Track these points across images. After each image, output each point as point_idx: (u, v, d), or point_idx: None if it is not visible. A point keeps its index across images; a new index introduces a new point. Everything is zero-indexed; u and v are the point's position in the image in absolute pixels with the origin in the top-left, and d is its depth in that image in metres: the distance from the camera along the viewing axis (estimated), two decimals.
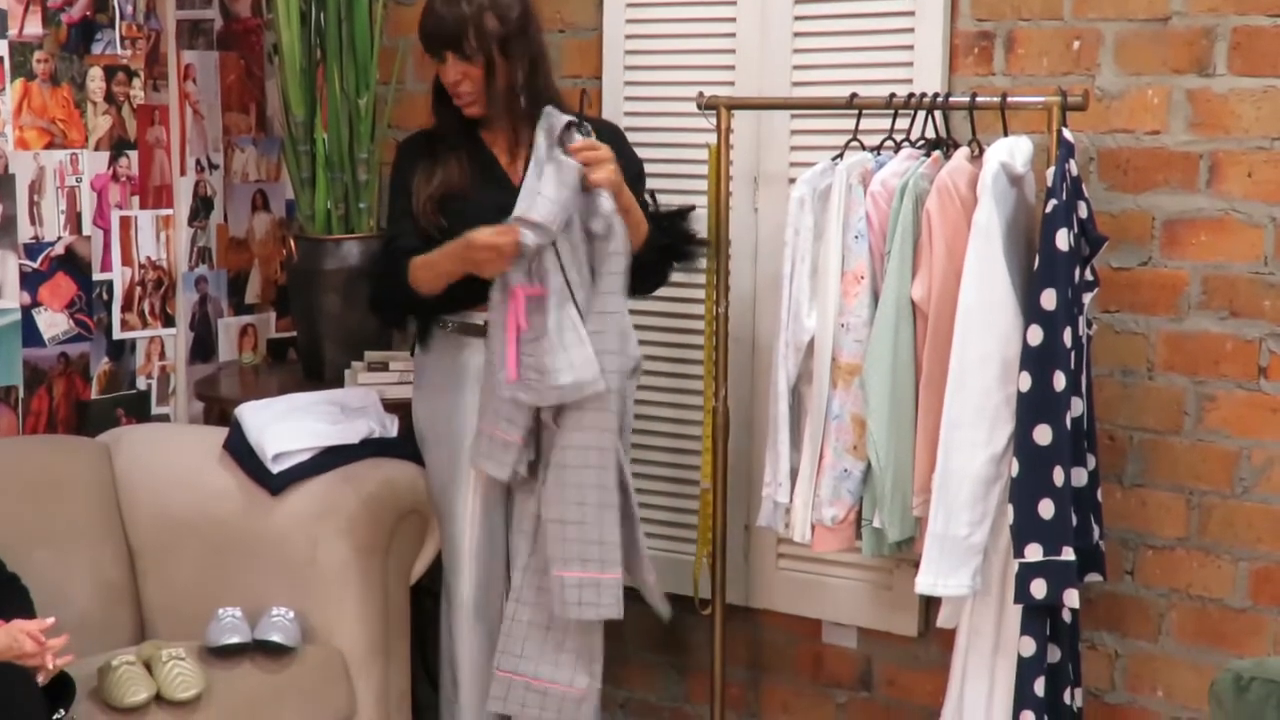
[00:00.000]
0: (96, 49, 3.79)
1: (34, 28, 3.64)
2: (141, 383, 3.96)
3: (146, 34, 3.91)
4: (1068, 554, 2.95)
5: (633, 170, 3.30)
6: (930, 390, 3.08)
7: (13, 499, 3.31)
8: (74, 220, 3.76)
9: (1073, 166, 3.00)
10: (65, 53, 3.72)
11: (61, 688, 2.85)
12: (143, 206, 3.93)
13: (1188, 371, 3.28)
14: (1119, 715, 3.42)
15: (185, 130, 4.03)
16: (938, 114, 3.22)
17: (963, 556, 3.03)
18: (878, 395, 3.11)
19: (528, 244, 3.04)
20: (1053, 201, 2.95)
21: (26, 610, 2.95)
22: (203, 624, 3.21)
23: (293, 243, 3.99)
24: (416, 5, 4.12)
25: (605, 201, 3.10)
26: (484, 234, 3.05)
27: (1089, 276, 3.12)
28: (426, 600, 3.68)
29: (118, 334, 3.89)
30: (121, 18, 3.84)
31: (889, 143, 3.24)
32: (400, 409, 3.54)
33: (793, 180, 3.39)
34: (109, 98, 3.83)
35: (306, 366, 4.01)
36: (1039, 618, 3.01)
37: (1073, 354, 2.96)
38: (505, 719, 3.32)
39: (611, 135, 3.33)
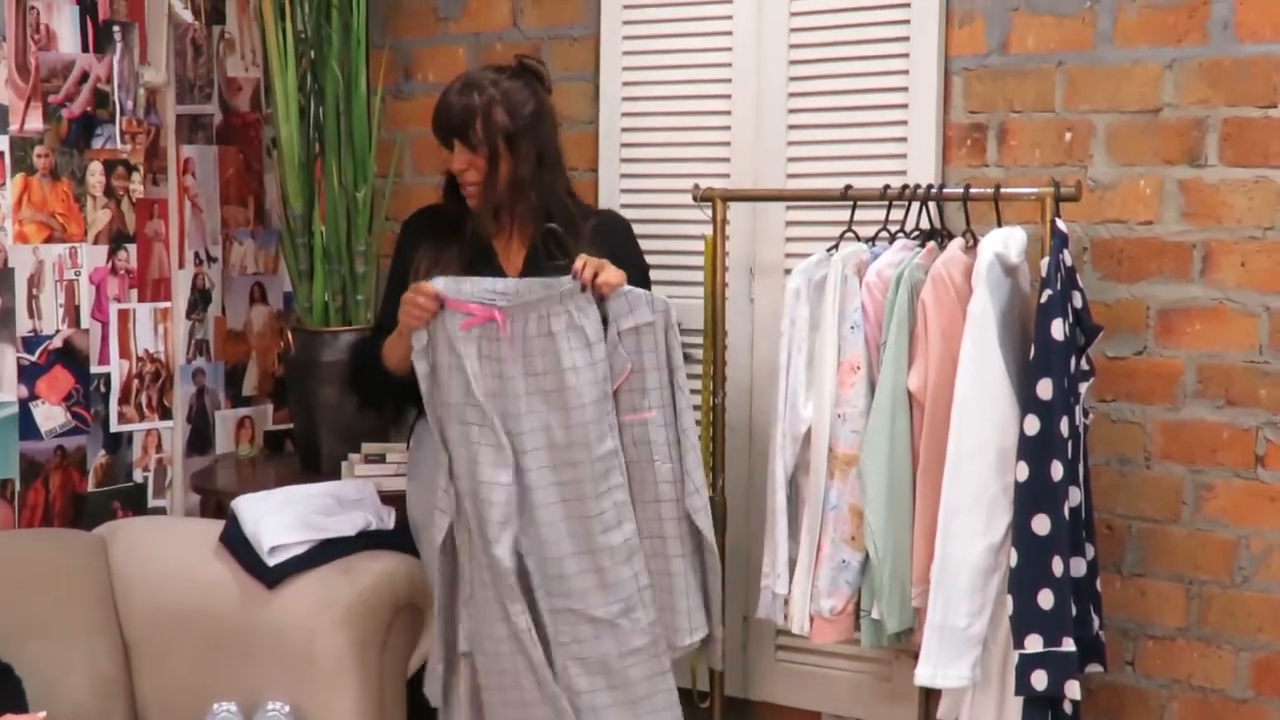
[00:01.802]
0: (97, 144, 3.82)
1: (35, 123, 3.67)
2: (138, 475, 3.95)
3: (146, 129, 3.94)
4: (1068, 645, 2.93)
5: (638, 268, 3.27)
6: (928, 480, 3.08)
7: (8, 592, 3.29)
8: (72, 313, 3.77)
9: (1067, 256, 3.01)
10: (66, 147, 3.74)
11: None
12: (141, 299, 3.95)
13: (1185, 460, 3.28)
14: None
15: (184, 223, 4.05)
16: (932, 205, 3.24)
17: (962, 647, 3.01)
18: (875, 485, 3.11)
19: (443, 292, 3.02)
20: (1047, 291, 2.96)
21: (19, 703, 2.93)
22: (198, 719, 3.18)
23: (290, 335, 4.00)
24: (414, 99, 4.18)
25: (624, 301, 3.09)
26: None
27: (1085, 366, 3.13)
28: (423, 695, 3.65)
29: (115, 427, 3.89)
30: (122, 113, 3.87)
31: (884, 233, 3.26)
32: (397, 501, 3.53)
33: (788, 271, 3.40)
34: (109, 192, 3.85)
35: (304, 458, 4.01)
36: (1040, 709, 2.99)
37: (1070, 443, 2.96)
38: None
39: (615, 231, 3.32)
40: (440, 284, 3.05)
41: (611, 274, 3.06)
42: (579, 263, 3.05)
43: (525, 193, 3.23)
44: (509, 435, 3.04)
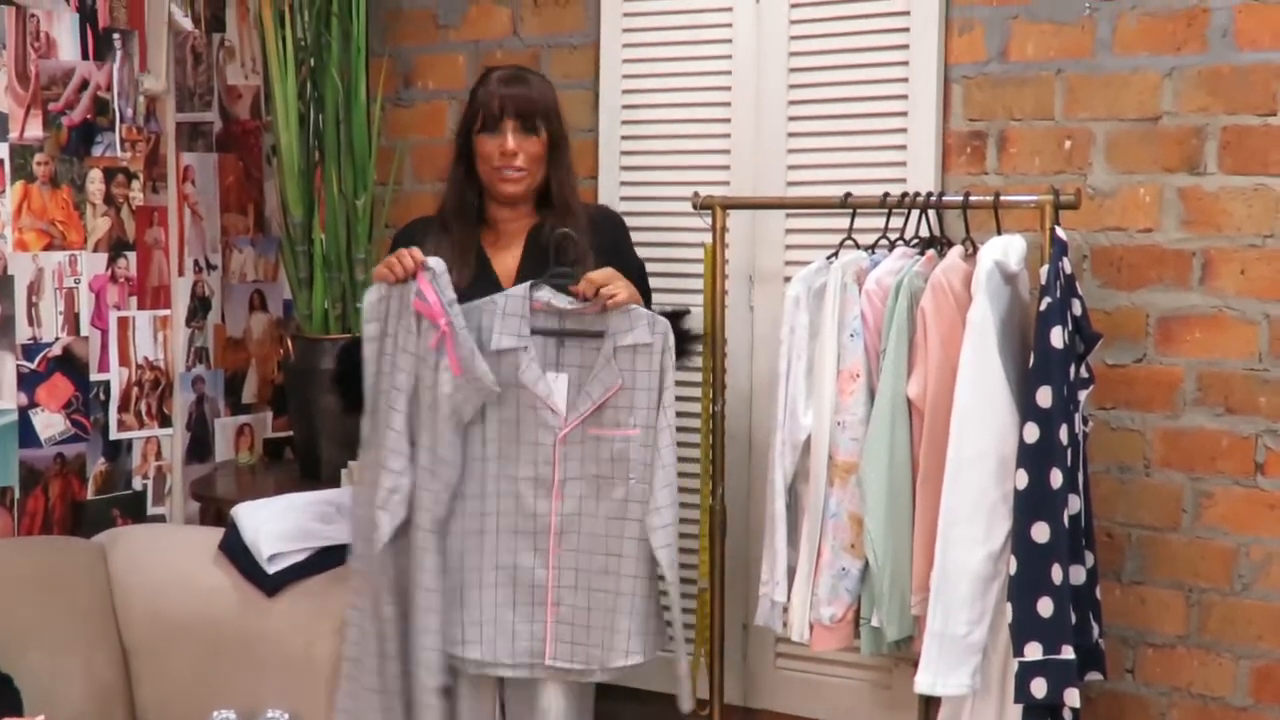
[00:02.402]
0: (97, 151, 3.82)
1: (35, 130, 3.67)
2: (138, 483, 3.95)
3: (146, 136, 3.94)
4: (1067, 652, 2.93)
5: (634, 263, 3.33)
6: (927, 488, 3.08)
7: (7, 600, 3.29)
8: (72, 321, 3.78)
9: (1066, 264, 3.01)
10: (65, 155, 3.75)
11: None
12: (140, 307, 3.95)
13: (1185, 468, 3.28)
14: None
15: (184, 231, 4.06)
16: (931, 213, 3.25)
17: (962, 655, 3.01)
18: (875, 493, 3.11)
19: (428, 265, 3.06)
20: (1047, 299, 2.96)
21: (16, 713, 2.93)
22: None
23: (290, 342, 4.00)
24: (414, 107, 4.18)
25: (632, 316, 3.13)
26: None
27: (1084, 373, 3.12)
28: None
29: (114, 434, 3.89)
30: (122, 120, 3.88)
31: (883, 241, 3.26)
32: None
33: (788, 279, 3.40)
34: (108, 199, 3.85)
35: (303, 466, 4.01)
36: (1040, 717, 2.98)
37: (1069, 451, 2.96)
38: None
39: (612, 225, 3.37)
40: (432, 262, 3.08)
41: (620, 290, 3.10)
42: (584, 284, 3.10)
43: (564, 179, 3.30)
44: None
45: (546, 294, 3.14)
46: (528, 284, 3.15)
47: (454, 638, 3.15)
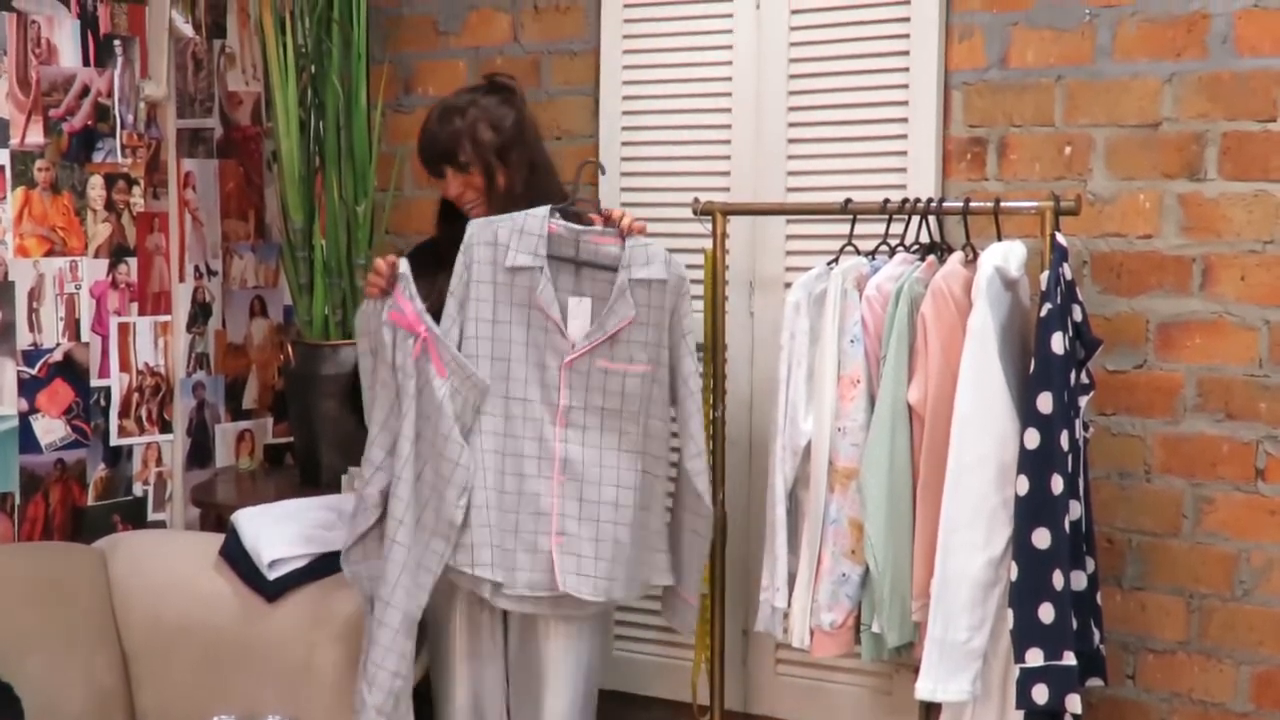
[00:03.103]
0: (97, 157, 3.82)
1: (35, 136, 3.67)
2: (138, 489, 3.95)
3: (147, 142, 3.95)
4: (1069, 658, 2.93)
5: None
6: (928, 494, 3.08)
7: (8, 606, 3.29)
8: (72, 327, 3.78)
9: (1066, 270, 3.01)
10: (66, 161, 3.75)
11: None
12: (141, 313, 3.95)
13: (1185, 474, 3.28)
14: None
15: (184, 237, 4.06)
16: (932, 219, 3.25)
17: (962, 661, 3.01)
18: (875, 499, 3.11)
19: (401, 273, 3.07)
20: (1047, 305, 2.96)
21: None
22: None
23: (290, 348, 4.00)
24: (415, 113, 4.19)
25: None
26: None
27: (1085, 379, 3.13)
28: (424, 707, 3.64)
29: (115, 440, 3.89)
30: (122, 126, 3.88)
31: (884, 247, 3.27)
32: None
33: (788, 284, 3.40)
34: (109, 205, 3.85)
35: (303, 472, 4.01)
36: None
37: (1070, 457, 2.96)
38: None
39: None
40: (404, 267, 3.08)
41: (635, 222, 3.14)
42: (611, 210, 3.16)
43: (526, 178, 3.26)
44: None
45: (564, 223, 3.13)
46: (547, 207, 3.13)
47: (481, 559, 3.10)
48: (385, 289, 3.09)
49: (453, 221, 3.30)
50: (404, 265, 3.10)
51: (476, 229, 3.12)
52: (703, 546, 3.26)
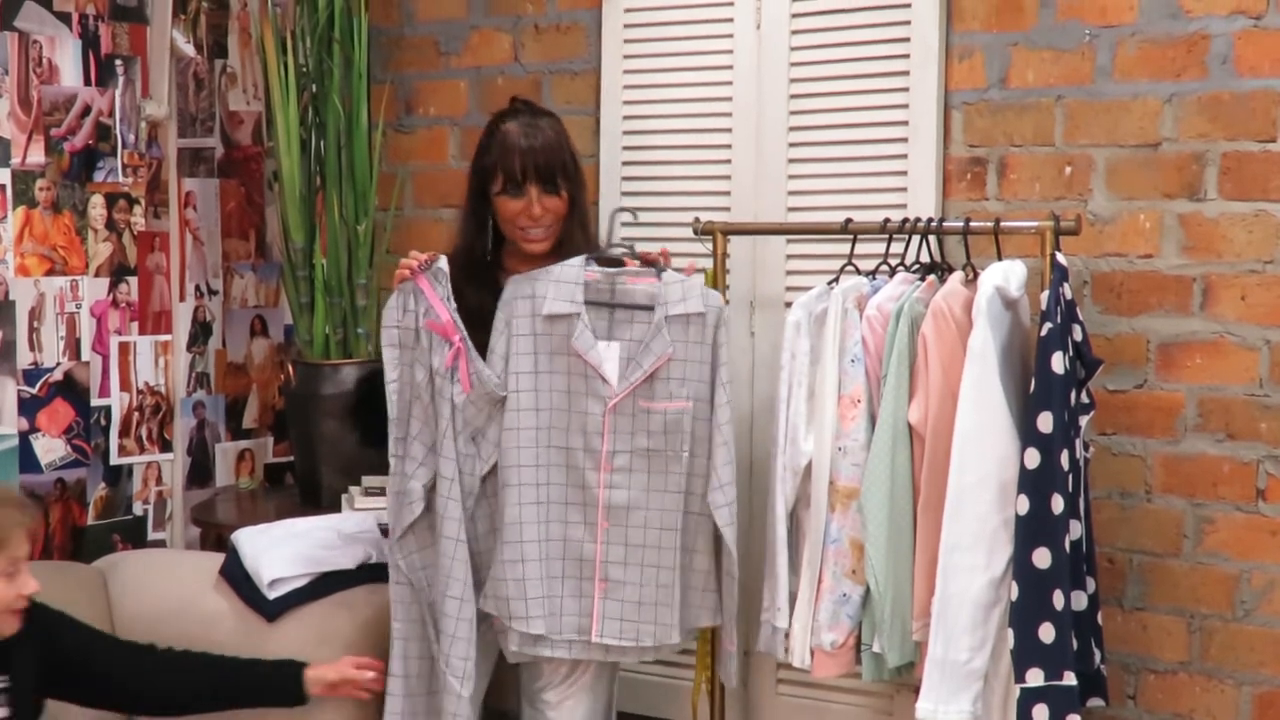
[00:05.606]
0: (98, 177, 3.83)
1: (37, 156, 3.68)
2: (138, 508, 3.95)
3: (148, 162, 3.95)
4: (1069, 679, 2.93)
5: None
6: (928, 514, 3.08)
7: None
8: (73, 346, 3.78)
9: (1067, 290, 3.02)
10: (67, 181, 3.75)
11: None
12: (141, 332, 3.95)
13: (1186, 494, 3.28)
14: None
15: (185, 256, 4.06)
16: (932, 238, 3.25)
17: (963, 682, 3.00)
18: (876, 519, 3.10)
19: (431, 271, 3.06)
20: (1047, 325, 2.96)
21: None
22: None
23: (291, 368, 4.01)
24: (415, 133, 4.19)
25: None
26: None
27: (1085, 399, 3.13)
28: None
29: (115, 459, 3.89)
30: (123, 146, 3.89)
31: (884, 267, 3.27)
32: None
33: (789, 304, 3.40)
34: (110, 225, 3.86)
35: (304, 491, 4.00)
36: None
37: (1070, 477, 2.96)
38: None
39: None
40: (443, 263, 3.07)
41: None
42: (648, 253, 3.13)
43: (583, 220, 3.24)
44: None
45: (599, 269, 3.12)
46: (583, 256, 3.12)
47: (518, 612, 3.08)
48: (408, 274, 3.05)
49: (482, 285, 3.19)
50: (443, 262, 3.08)
51: (514, 285, 3.10)
52: (733, 588, 3.20)
